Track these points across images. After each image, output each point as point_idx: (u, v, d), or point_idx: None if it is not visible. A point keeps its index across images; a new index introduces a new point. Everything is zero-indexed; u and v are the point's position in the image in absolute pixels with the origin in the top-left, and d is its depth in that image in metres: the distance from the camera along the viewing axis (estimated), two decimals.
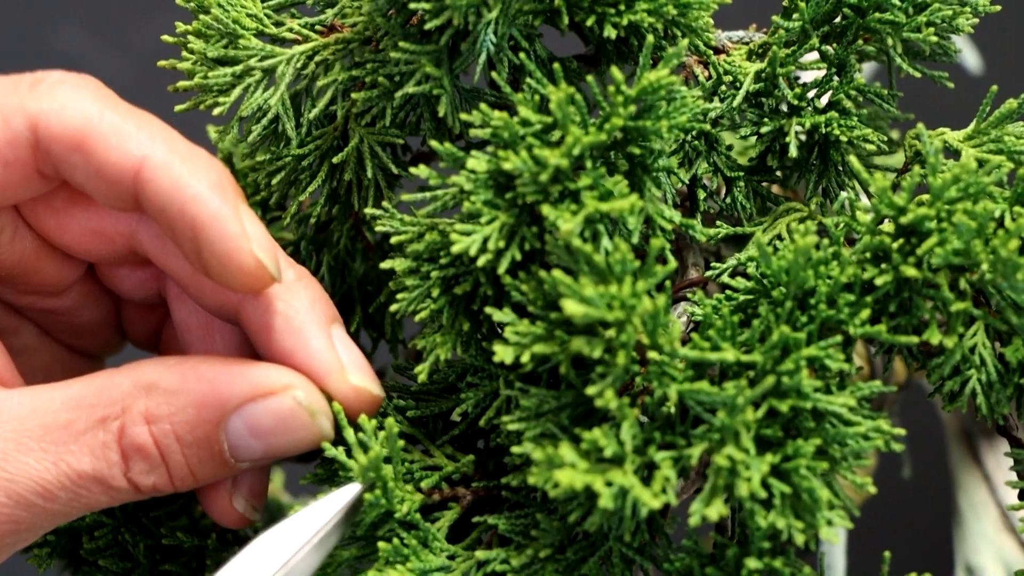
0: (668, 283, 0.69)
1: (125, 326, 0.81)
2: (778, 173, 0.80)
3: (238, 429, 0.69)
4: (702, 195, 0.78)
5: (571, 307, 0.65)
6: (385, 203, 0.74)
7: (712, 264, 0.77)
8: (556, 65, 0.71)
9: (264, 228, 0.70)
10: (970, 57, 1.15)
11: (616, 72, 0.69)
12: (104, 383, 0.70)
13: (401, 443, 0.72)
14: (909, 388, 1.01)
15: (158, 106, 0.84)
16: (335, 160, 0.77)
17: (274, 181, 0.78)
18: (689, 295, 0.75)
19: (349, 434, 0.70)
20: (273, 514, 0.98)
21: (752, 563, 0.68)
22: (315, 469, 0.74)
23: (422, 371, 0.72)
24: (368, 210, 0.75)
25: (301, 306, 0.72)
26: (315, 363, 0.71)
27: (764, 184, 0.80)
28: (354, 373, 0.72)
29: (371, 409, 0.72)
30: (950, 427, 1.04)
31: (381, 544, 0.69)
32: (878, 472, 1.03)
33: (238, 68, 0.76)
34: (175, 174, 0.69)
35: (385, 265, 0.72)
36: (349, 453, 0.71)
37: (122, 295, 0.79)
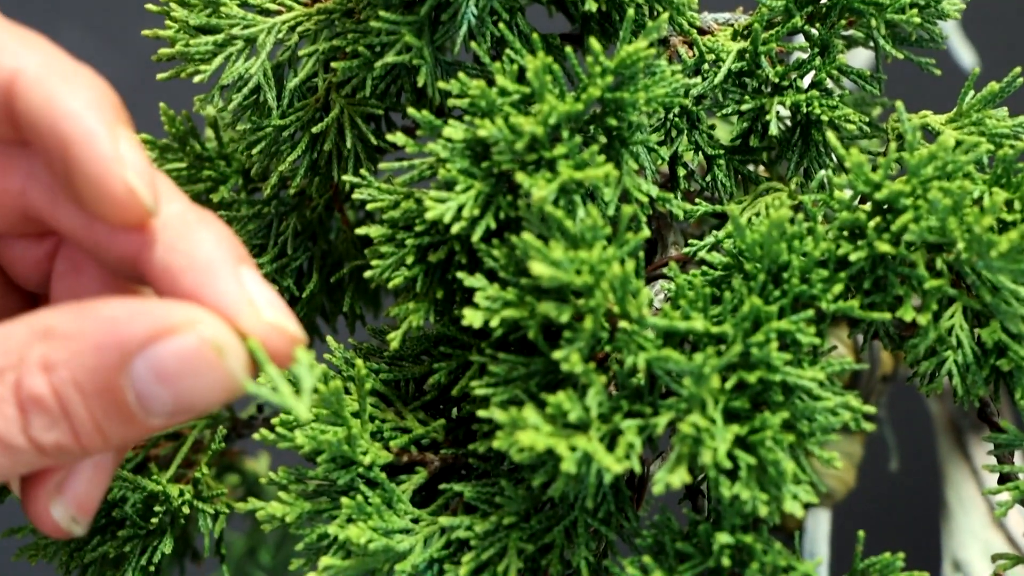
0: (642, 254, 0.69)
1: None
2: (763, 155, 0.81)
3: (142, 374, 0.62)
4: (682, 172, 0.78)
5: (538, 268, 0.65)
6: (363, 171, 0.74)
7: (690, 242, 0.77)
8: (535, 35, 0.71)
9: (146, 157, 0.65)
10: (965, 55, 1.14)
11: (594, 43, 0.69)
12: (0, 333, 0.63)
13: (373, 399, 0.72)
14: (896, 380, 1.01)
15: (158, 106, 0.85)
16: (315, 130, 0.77)
17: (254, 151, 0.79)
18: (666, 271, 0.75)
19: (271, 369, 0.62)
20: (257, 493, 0.98)
21: (723, 538, 0.68)
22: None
23: (395, 338, 0.72)
24: (346, 177, 0.75)
25: (206, 244, 0.65)
26: (224, 300, 0.64)
27: (747, 165, 0.80)
28: (268, 310, 0.64)
29: (290, 349, 0.64)
30: (938, 421, 1.04)
31: (345, 500, 0.69)
32: (865, 465, 1.03)
33: (219, 36, 0.76)
34: (49, 89, 0.63)
35: (361, 231, 0.73)
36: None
37: (20, 280, 0.72)
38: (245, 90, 0.77)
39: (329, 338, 0.76)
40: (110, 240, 0.66)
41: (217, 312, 0.63)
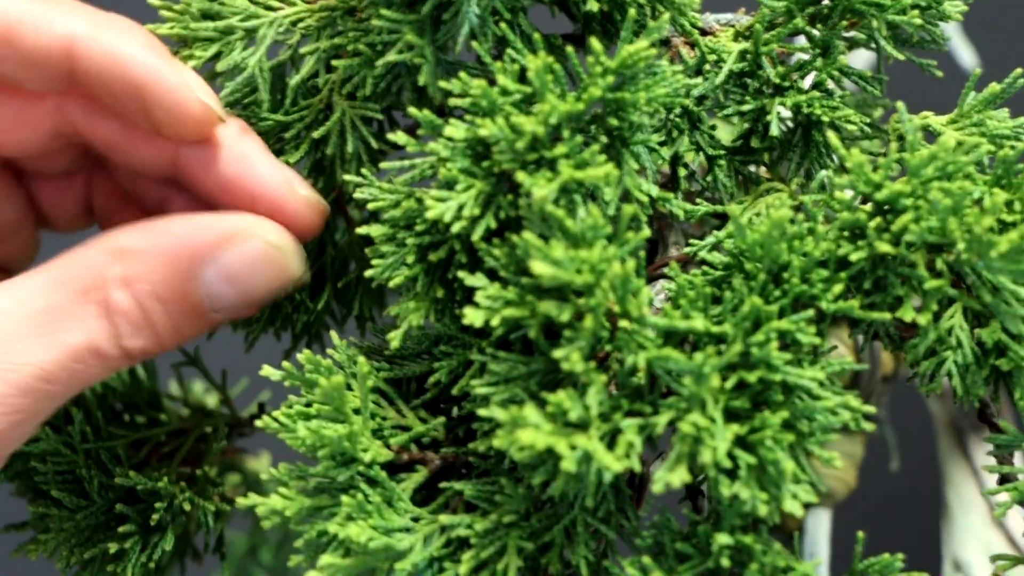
0: (643, 253, 0.69)
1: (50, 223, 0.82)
2: (764, 156, 0.81)
3: (213, 278, 0.71)
4: (683, 173, 0.78)
5: (538, 267, 0.65)
6: (364, 170, 0.75)
7: (691, 242, 0.77)
8: (537, 35, 0.71)
9: (197, 75, 0.73)
10: (966, 56, 1.15)
11: (596, 43, 0.69)
12: (75, 259, 0.71)
13: (374, 397, 0.72)
14: (896, 380, 1.01)
15: None
16: (315, 135, 0.78)
17: None
18: (667, 271, 0.75)
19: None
20: (257, 492, 0.98)
21: (723, 538, 0.68)
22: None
23: (395, 338, 0.72)
24: (347, 176, 0.75)
25: (236, 137, 0.74)
26: (265, 182, 0.74)
27: (748, 166, 0.80)
28: (301, 187, 0.74)
29: (321, 221, 0.75)
30: (939, 421, 1.04)
31: (345, 498, 0.69)
32: (866, 465, 1.03)
33: (221, 24, 0.76)
34: (106, 42, 0.71)
35: (361, 231, 0.73)
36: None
37: (52, 220, 0.80)
38: (240, 80, 0.77)
39: (332, 333, 0.76)
40: (148, 147, 0.75)
41: (259, 192, 0.73)
